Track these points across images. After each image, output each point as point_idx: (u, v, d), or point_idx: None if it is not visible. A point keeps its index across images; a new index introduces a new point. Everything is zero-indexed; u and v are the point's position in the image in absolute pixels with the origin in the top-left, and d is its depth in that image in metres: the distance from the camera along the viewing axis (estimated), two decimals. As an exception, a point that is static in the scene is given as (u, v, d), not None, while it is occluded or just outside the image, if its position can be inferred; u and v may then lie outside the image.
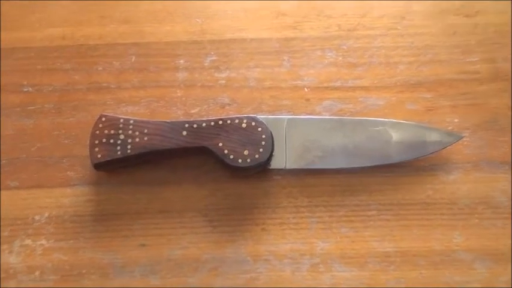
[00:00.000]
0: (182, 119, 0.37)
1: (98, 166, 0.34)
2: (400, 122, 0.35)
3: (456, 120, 0.37)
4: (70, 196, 0.34)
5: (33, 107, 0.37)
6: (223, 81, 0.38)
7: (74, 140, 0.36)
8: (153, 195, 0.34)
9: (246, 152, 0.33)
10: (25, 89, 0.38)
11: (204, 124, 0.34)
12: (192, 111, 0.37)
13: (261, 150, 0.33)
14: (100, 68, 0.38)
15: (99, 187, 0.35)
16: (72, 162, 0.35)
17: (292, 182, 0.35)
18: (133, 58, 0.39)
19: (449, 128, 0.36)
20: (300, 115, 0.36)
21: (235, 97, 0.37)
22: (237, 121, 0.34)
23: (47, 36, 0.39)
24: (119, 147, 0.33)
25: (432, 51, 0.39)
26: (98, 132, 0.34)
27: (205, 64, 0.38)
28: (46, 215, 0.34)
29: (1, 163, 0.35)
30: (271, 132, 0.34)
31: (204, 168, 0.35)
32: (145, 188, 0.34)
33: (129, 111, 0.37)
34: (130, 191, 0.34)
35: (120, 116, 0.35)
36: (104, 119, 0.34)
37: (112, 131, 0.34)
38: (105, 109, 0.37)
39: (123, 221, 0.34)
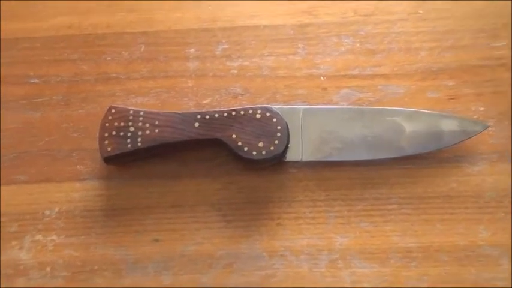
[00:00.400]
0: (194, 110, 0.35)
1: (108, 160, 0.33)
2: (421, 112, 0.34)
3: (481, 108, 0.35)
4: (80, 190, 0.33)
5: (40, 99, 0.36)
6: (236, 71, 0.36)
7: (83, 132, 0.35)
8: (165, 189, 0.33)
9: (260, 144, 0.32)
10: (31, 81, 0.37)
11: (216, 115, 0.33)
12: (204, 102, 0.36)
13: (276, 142, 0.32)
14: (108, 58, 0.37)
15: (110, 181, 0.34)
16: (81, 156, 0.34)
17: (308, 174, 0.33)
18: (143, 47, 0.37)
19: (474, 117, 0.35)
20: (316, 105, 0.35)
21: (249, 87, 0.36)
22: (250, 112, 0.33)
23: (53, 26, 0.38)
24: (129, 140, 0.32)
25: (455, 36, 0.37)
26: (107, 124, 0.33)
27: (217, 53, 0.37)
28: (56, 209, 0.33)
29: (8, 157, 0.34)
30: (286, 123, 0.33)
31: (217, 160, 0.34)
32: (157, 182, 0.33)
33: (138, 103, 0.36)
34: (141, 185, 0.33)
35: (130, 108, 0.33)
36: (113, 110, 0.33)
37: (122, 123, 0.33)
38: (114, 100, 0.36)
39: (134, 215, 0.33)
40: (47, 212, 0.33)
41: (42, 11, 0.39)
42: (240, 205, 0.33)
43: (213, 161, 0.34)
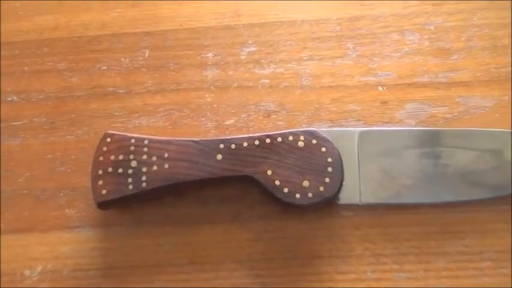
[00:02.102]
0: (214, 134, 0.28)
1: (103, 205, 0.25)
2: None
3: None
4: (70, 243, 0.27)
5: (19, 122, 0.29)
6: (267, 80, 0.29)
7: (72, 166, 0.28)
8: (180, 240, 0.26)
9: (305, 184, 0.24)
10: (8, 98, 0.30)
11: (245, 143, 0.25)
12: (227, 123, 0.28)
13: (326, 180, 0.24)
14: (104, 67, 0.30)
15: (108, 230, 0.27)
16: (71, 197, 0.28)
17: (368, 220, 0.26)
18: (147, 53, 0.30)
19: None
20: (375, 125, 0.27)
21: (284, 101, 0.29)
22: (291, 138, 0.25)
23: (35, 27, 0.32)
24: (130, 179, 0.25)
25: (558, 29, 0.28)
26: (101, 158, 0.25)
27: (242, 57, 0.30)
28: (39, 269, 0.26)
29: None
30: (339, 153, 0.25)
31: (246, 201, 0.27)
32: (169, 231, 0.26)
33: (143, 125, 0.29)
34: (149, 235, 0.26)
35: (131, 135, 0.26)
36: (109, 139, 0.26)
37: (121, 156, 0.25)
38: (112, 122, 0.29)
39: (140, 276, 0.26)
40: (27, 273, 0.26)
41: (21, 9, 0.32)
42: (277, 262, 0.26)
43: (241, 202, 0.27)
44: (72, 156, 0.28)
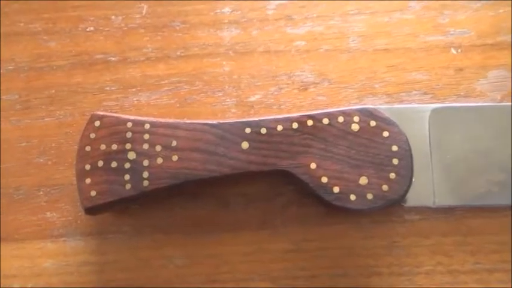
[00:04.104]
0: (235, 115, 0.22)
1: (92, 211, 0.19)
2: None
3: None
4: (54, 256, 0.21)
5: None
6: (302, 42, 0.23)
7: (53, 156, 0.23)
8: (194, 252, 0.21)
9: (363, 181, 0.18)
10: None
11: (279, 127, 0.19)
12: (251, 99, 0.22)
13: (391, 175, 0.18)
14: (90, 29, 0.24)
15: (102, 239, 0.21)
16: (53, 196, 0.22)
17: (441, 226, 0.21)
18: (145, 8, 0.24)
19: None
20: (447, 101, 0.21)
21: (326, 70, 0.23)
22: (341, 119, 0.19)
23: None
24: (127, 177, 0.19)
25: None
26: (89, 148, 0.19)
27: (269, 12, 0.24)
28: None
29: None
30: (407, 139, 0.18)
31: (278, 202, 0.21)
32: (180, 240, 0.21)
33: (142, 103, 0.23)
34: (154, 246, 0.21)
35: (127, 117, 0.20)
36: (98, 122, 0.20)
37: (114, 146, 0.19)
38: (102, 100, 0.23)
39: None
40: (1, 295, 0.20)
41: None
42: (321, 279, 0.20)
43: (272, 203, 0.21)
44: (53, 144, 0.23)
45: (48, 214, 0.22)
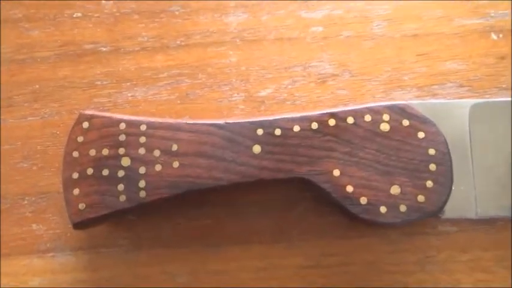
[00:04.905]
0: (244, 112, 0.20)
1: (81, 225, 0.17)
2: None
3: None
4: (42, 273, 0.19)
5: None
6: (320, 28, 0.21)
7: (39, 161, 0.21)
8: (200, 267, 0.19)
9: (395, 190, 0.16)
10: None
11: (296, 127, 0.17)
12: (262, 94, 0.20)
13: (428, 183, 0.16)
14: (78, 15, 0.22)
15: (95, 254, 0.19)
16: (40, 206, 0.20)
17: (481, 239, 0.19)
18: None
19: None
20: (487, 94, 0.19)
21: (347, 60, 0.21)
22: (368, 118, 0.17)
23: None
24: (121, 187, 0.17)
25: None
26: (76, 154, 0.17)
27: None
28: None
29: None
30: (445, 141, 0.16)
31: (295, 212, 0.19)
32: (184, 254, 0.19)
33: (138, 99, 0.21)
34: (154, 261, 0.19)
35: (120, 117, 0.17)
36: (87, 123, 0.17)
37: (105, 151, 0.17)
38: (92, 96, 0.22)
39: None
40: (-18, 319, 0.18)
41: None
42: None
43: (288, 210, 0.19)
44: (38, 147, 0.21)
45: (34, 226, 0.20)
